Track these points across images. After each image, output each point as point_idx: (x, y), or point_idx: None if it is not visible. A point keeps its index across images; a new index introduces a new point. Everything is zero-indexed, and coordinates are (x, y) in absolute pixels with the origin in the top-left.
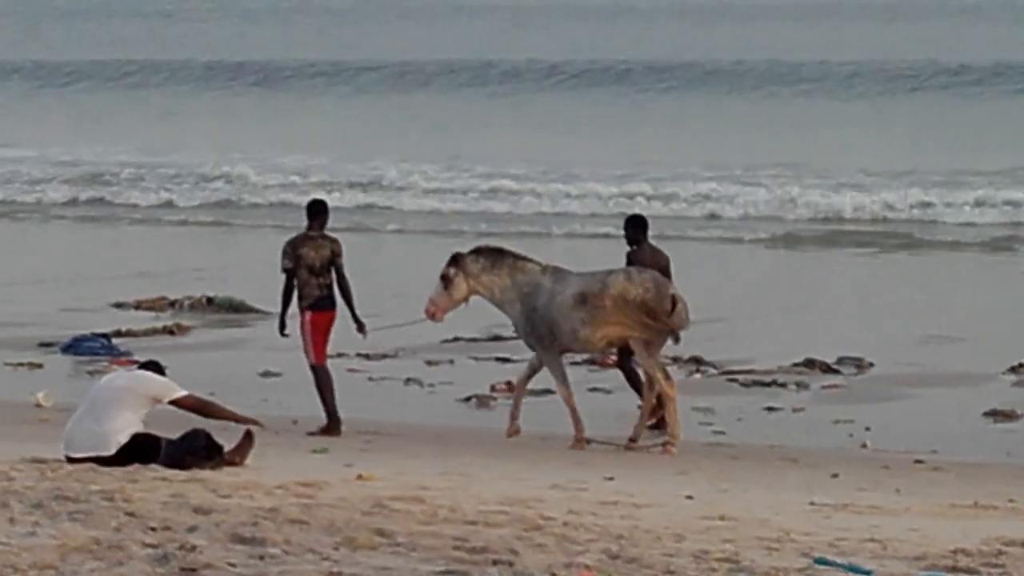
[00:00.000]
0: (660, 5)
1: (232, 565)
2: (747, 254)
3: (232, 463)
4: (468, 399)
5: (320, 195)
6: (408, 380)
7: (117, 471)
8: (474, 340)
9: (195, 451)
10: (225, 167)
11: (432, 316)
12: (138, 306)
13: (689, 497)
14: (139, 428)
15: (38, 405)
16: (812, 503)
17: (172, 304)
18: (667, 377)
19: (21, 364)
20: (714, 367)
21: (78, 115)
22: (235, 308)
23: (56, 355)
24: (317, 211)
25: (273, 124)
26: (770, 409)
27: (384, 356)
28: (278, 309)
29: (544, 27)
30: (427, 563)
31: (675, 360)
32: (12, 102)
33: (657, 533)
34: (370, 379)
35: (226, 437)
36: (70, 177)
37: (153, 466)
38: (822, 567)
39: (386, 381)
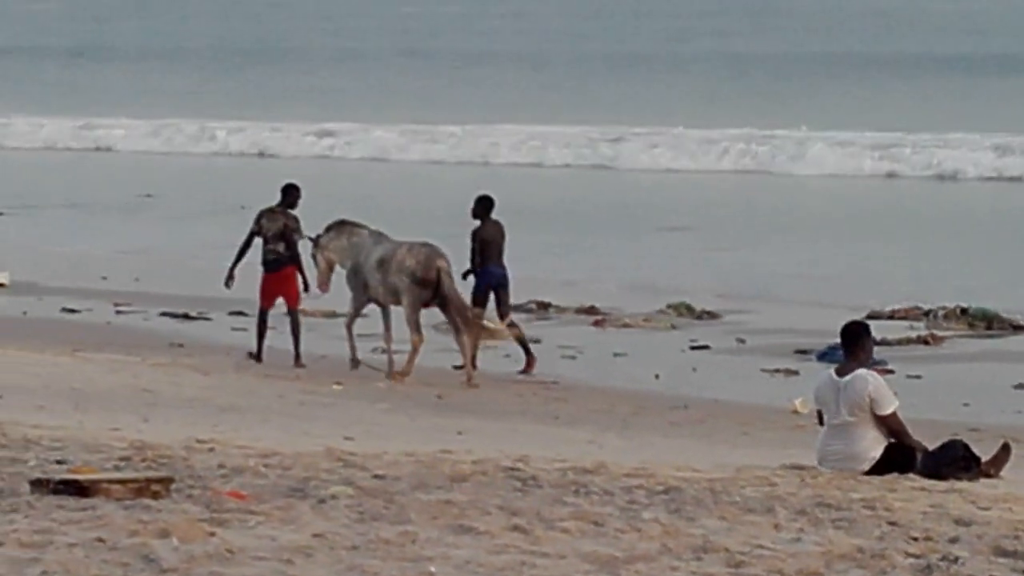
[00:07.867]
0: None
1: None
2: None
3: (988, 475)
4: None
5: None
6: None
7: (875, 479)
8: None
9: (953, 461)
10: None
11: (321, 289)
12: (892, 315)
13: None
14: (886, 439)
15: (795, 412)
16: None
17: (926, 314)
18: (417, 331)
19: (777, 370)
20: None
21: None
22: (989, 319)
23: (811, 362)
24: (285, 192)
25: None
26: None
27: None
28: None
29: None
30: None
31: None
32: None
33: None
34: None
35: (981, 448)
36: None
37: (911, 475)
38: None
39: None
